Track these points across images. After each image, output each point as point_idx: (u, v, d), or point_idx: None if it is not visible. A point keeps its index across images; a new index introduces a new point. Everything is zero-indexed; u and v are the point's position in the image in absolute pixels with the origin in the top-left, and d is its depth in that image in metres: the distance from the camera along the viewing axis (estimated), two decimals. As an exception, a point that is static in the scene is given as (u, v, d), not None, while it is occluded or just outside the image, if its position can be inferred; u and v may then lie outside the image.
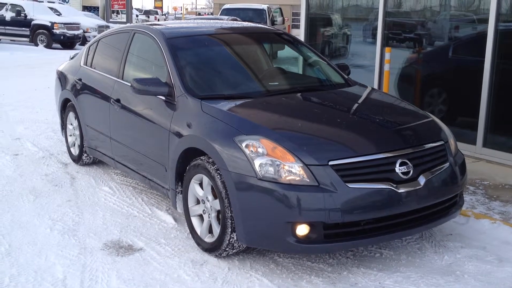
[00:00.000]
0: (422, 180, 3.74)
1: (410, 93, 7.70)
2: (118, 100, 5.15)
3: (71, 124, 6.38)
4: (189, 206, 4.23)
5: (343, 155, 3.63)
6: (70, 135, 6.48)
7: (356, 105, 4.55)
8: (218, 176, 3.80)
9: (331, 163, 3.56)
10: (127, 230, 4.52)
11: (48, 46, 21.92)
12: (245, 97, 4.42)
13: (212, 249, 3.98)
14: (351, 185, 3.53)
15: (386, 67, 7.07)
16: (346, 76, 5.18)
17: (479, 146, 6.28)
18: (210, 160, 3.90)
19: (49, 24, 21.99)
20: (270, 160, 3.58)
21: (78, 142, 6.22)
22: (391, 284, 3.64)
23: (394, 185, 3.62)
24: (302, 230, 3.54)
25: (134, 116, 4.90)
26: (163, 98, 4.52)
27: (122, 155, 5.25)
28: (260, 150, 3.64)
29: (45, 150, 6.93)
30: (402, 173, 3.68)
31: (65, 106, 6.47)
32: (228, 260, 3.97)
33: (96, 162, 6.26)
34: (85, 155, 6.13)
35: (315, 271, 3.82)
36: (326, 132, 3.91)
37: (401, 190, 3.63)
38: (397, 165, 3.69)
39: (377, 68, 7.73)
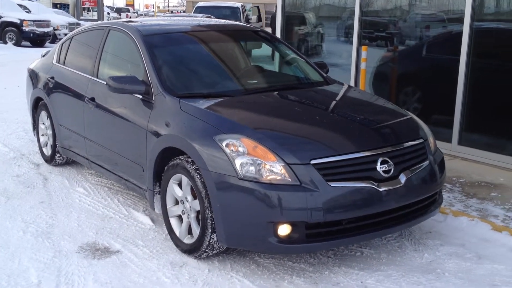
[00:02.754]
0: (403, 178, 3.73)
1: (385, 91, 7.73)
2: (92, 99, 5.03)
3: (43, 123, 6.22)
4: (167, 207, 4.15)
5: (325, 154, 3.59)
6: (43, 135, 6.32)
7: (336, 103, 4.53)
8: (198, 176, 3.74)
9: (313, 162, 3.52)
10: (103, 232, 4.41)
11: (17, 44, 21.46)
12: (224, 96, 4.35)
13: (191, 250, 3.91)
14: (333, 184, 3.50)
15: (363, 65, 7.08)
16: (324, 74, 5.15)
17: (454, 144, 6.33)
18: (190, 159, 3.83)
19: (18, 22, 21.51)
20: (251, 160, 3.53)
21: (50, 142, 6.07)
22: (373, 283, 3.62)
23: (376, 184, 3.60)
24: (284, 230, 3.49)
25: (110, 115, 4.79)
26: (140, 96, 4.43)
27: (97, 155, 5.13)
28: (240, 149, 3.58)
29: (16, 151, 6.75)
30: (383, 171, 3.67)
31: (37, 105, 6.32)
32: (208, 261, 3.90)
33: (69, 163, 6.12)
34: (58, 155, 5.98)
35: (296, 271, 3.78)
36: (307, 131, 3.87)
37: (383, 189, 3.61)
38: (378, 163, 3.67)
39: (354, 66, 7.74)
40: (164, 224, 4.26)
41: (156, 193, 4.28)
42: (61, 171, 6.00)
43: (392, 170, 3.70)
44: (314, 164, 3.52)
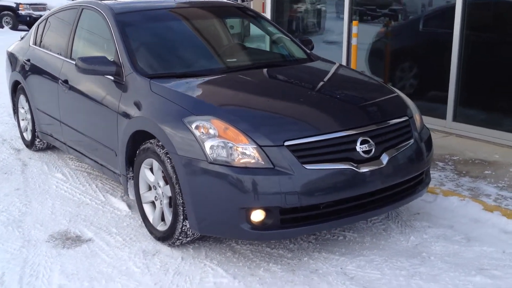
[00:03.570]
0: (385, 158, 3.52)
1: (381, 67, 7.47)
2: (66, 81, 4.82)
3: (23, 107, 6.03)
4: (140, 193, 3.96)
5: (300, 134, 3.37)
6: (22, 119, 6.14)
7: (316, 80, 4.28)
8: (168, 160, 3.54)
9: (287, 143, 3.31)
10: (77, 220, 4.23)
11: (14, 27, 21.18)
12: (199, 75, 4.12)
13: (165, 237, 3.73)
14: (308, 167, 3.29)
15: (354, 41, 6.82)
16: (308, 51, 4.91)
17: (449, 120, 6.09)
18: (160, 143, 3.63)
19: (14, 5, 21.22)
20: (222, 142, 3.32)
21: (30, 127, 5.89)
22: (353, 269, 3.43)
23: (355, 165, 3.39)
24: (257, 216, 3.30)
25: (83, 98, 4.59)
26: (112, 78, 4.22)
27: (73, 140, 4.94)
28: (211, 131, 3.37)
29: (-3, 136, 6.59)
30: (363, 151, 3.45)
31: (16, 89, 6.12)
32: (182, 249, 3.72)
33: (50, 147, 5.94)
34: (38, 140, 5.80)
35: (274, 258, 3.60)
36: (282, 111, 3.64)
37: (362, 170, 3.40)
38: (358, 143, 3.45)
39: (345, 42, 7.48)
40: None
41: (130, 179, 4.09)
42: (41, 156, 5.82)
43: (373, 150, 3.48)
44: (288, 146, 3.30)
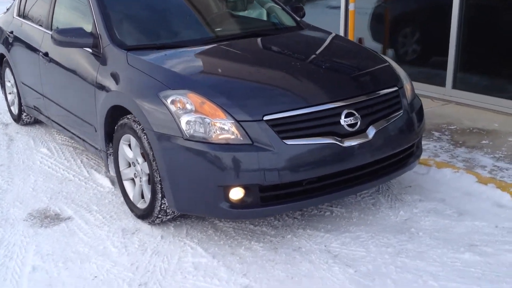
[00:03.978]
0: (371, 131, 3.34)
1: (382, 34, 7.22)
2: (46, 54, 4.66)
3: (9, 81, 5.90)
4: (120, 169, 3.83)
5: (280, 108, 3.20)
6: (9, 93, 6.01)
7: (302, 50, 4.06)
8: (145, 136, 3.39)
9: (266, 118, 3.14)
10: (58, 197, 4.12)
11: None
12: (180, 46, 3.93)
13: (144, 215, 3.61)
14: (289, 142, 3.13)
15: (351, 6, 6.55)
16: (298, 19, 4.69)
17: (448, 88, 5.87)
18: (136, 119, 3.47)
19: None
20: (199, 118, 3.16)
21: (17, 101, 5.76)
22: (337, 246, 3.30)
23: (339, 139, 3.22)
24: (236, 194, 3.16)
25: (63, 71, 4.43)
26: (90, 50, 4.05)
27: (55, 114, 4.81)
28: (188, 106, 3.21)
29: (-14, 110, 6.47)
30: (348, 125, 3.28)
31: (1, 62, 5.97)
32: (163, 227, 3.61)
33: (38, 122, 5.81)
34: (24, 114, 5.69)
35: (256, 235, 3.47)
36: (263, 83, 3.46)
37: (347, 144, 3.24)
38: (343, 116, 3.28)
39: (343, 8, 7.22)
40: (122, 187, 3.95)
41: (110, 155, 3.96)
42: (28, 130, 5.71)
43: (359, 123, 3.31)
44: (267, 121, 3.14)
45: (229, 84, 3.42)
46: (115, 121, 3.76)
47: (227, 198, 3.15)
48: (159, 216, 3.51)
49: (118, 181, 3.89)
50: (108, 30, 3.96)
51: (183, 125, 3.16)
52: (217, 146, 3.11)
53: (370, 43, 7.34)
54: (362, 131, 3.33)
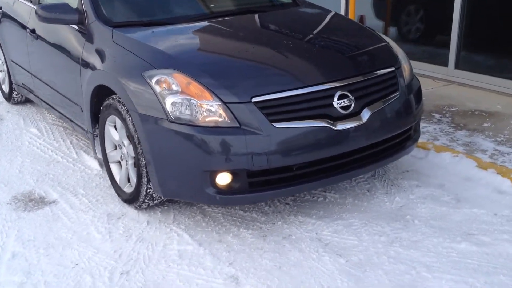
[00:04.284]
0: (366, 114, 3.19)
1: (385, 11, 7.01)
2: (33, 31, 4.50)
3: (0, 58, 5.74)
4: (107, 152, 3.70)
5: (269, 89, 3.04)
6: (1, 71, 5.86)
7: (296, 28, 3.85)
8: (130, 118, 3.25)
9: (254, 99, 2.99)
10: (44, 179, 4.01)
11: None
12: (169, 23, 3.76)
13: (131, 200, 3.49)
14: (278, 125, 2.98)
15: (352, -19, 6.35)
16: (292, -5, 4.50)
17: (451, 68, 5.69)
18: (121, 100, 3.33)
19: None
20: (184, 99, 3.01)
21: (7, 79, 5.61)
22: (329, 234, 3.17)
23: (331, 122, 3.07)
24: (223, 179, 3.02)
25: (50, 48, 4.28)
26: (76, 27, 3.89)
27: (43, 93, 4.67)
28: (174, 86, 3.06)
29: (-22, 88, 6.33)
30: (341, 107, 3.13)
31: (-9, 39, 5.80)
32: (149, 212, 3.49)
33: (30, 101, 5.67)
34: (15, 92, 5.54)
35: (246, 222, 3.35)
36: (253, 62, 3.30)
37: (340, 128, 3.09)
38: (335, 98, 3.12)
39: (344, -17, 7.00)
40: (110, 170, 3.83)
41: (96, 136, 3.82)
42: (19, 109, 5.58)
43: (353, 105, 3.16)
44: (256, 103, 2.99)
45: (217, 63, 3.25)
46: (101, 101, 3.62)
47: (213, 184, 3.02)
48: (145, 201, 3.39)
49: (105, 164, 3.76)
50: (94, 5, 3.79)
51: (168, 107, 3.02)
52: (203, 129, 2.96)
53: (373, 21, 7.14)
54: (356, 114, 3.17)
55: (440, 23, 5.98)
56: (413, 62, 6.00)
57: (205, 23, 3.79)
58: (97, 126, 3.77)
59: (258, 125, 2.96)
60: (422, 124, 4.51)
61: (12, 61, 5.23)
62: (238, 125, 2.96)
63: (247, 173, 3.01)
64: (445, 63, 5.74)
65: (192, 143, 2.98)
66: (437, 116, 4.72)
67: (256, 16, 4.02)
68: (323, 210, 3.45)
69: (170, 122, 3.01)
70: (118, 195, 3.65)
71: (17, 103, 5.70)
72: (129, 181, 3.54)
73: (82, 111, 3.89)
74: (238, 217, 3.40)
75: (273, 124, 2.97)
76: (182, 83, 3.06)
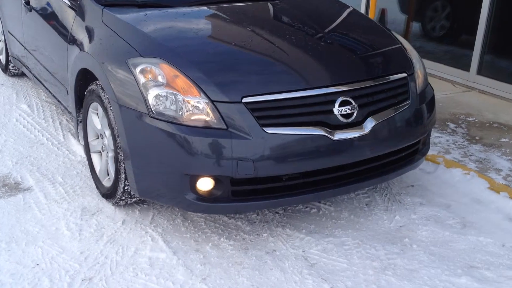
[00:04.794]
0: (369, 124, 2.88)
1: (411, 5, 6.63)
2: (27, 2, 4.23)
3: (-1, 28, 5.49)
4: (89, 140, 3.44)
5: (263, 90, 2.74)
6: (0, 41, 5.61)
7: (301, 22, 3.51)
8: (111, 108, 2.97)
9: (245, 100, 2.69)
10: (24, 162, 3.76)
11: None
12: (166, 6, 3.46)
13: (108, 195, 3.23)
14: (269, 130, 2.68)
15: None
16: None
17: (472, 73, 5.32)
18: (104, 87, 3.05)
19: None
20: (169, 93, 2.72)
21: (5, 50, 5.37)
22: (316, 253, 2.88)
23: (329, 131, 2.76)
24: (204, 185, 2.74)
25: (41, 22, 4.02)
26: (68, 2, 3.60)
27: (34, 68, 4.42)
28: (160, 78, 2.77)
29: (-22, 56, 6.10)
30: (342, 115, 2.81)
31: (-9, 8, 5.55)
32: (127, 210, 3.23)
33: (26, 73, 5.43)
34: (12, 64, 5.29)
35: (228, 230, 3.07)
36: (249, 58, 2.98)
37: (337, 137, 2.78)
38: (337, 104, 2.81)
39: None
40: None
41: (80, 122, 3.56)
42: (15, 82, 5.34)
43: (355, 113, 2.84)
44: (246, 103, 2.68)
45: (211, 55, 2.94)
46: (87, 85, 3.35)
47: (193, 189, 2.74)
48: (123, 198, 3.12)
49: (86, 152, 3.50)
50: (87, -21, 3.50)
51: (151, 100, 2.73)
52: (186, 128, 2.68)
53: (397, 15, 6.77)
54: (358, 123, 2.86)
55: (468, 22, 5.60)
56: (432, 64, 5.69)
57: (205, 9, 3.47)
58: (81, 111, 3.51)
59: (247, 129, 2.66)
60: (434, 134, 4.18)
61: (9, 31, 4.98)
62: (225, 126, 2.67)
63: (230, 180, 2.72)
64: (466, 67, 5.37)
65: (173, 142, 2.69)
66: (451, 125, 4.38)
67: (261, 4, 3.69)
68: (314, 223, 3.15)
69: (151, 117, 2.72)
70: (97, 187, 3.39)
71: (13, 75, 5.47)
72: (108, 174, 3.27)
73: (67, 93, 3.63)
74: (221, 224, 3.12)
75: (263, 128, 2.67)
76: (168, 75, 2.77)
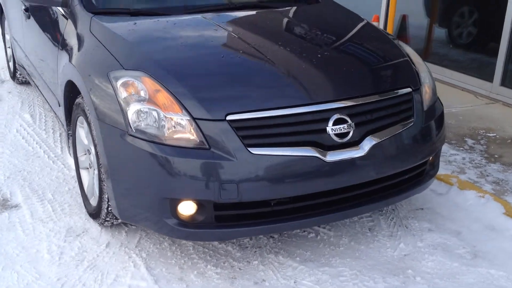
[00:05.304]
0: (367, 144, 2.64)
1: (438, 11, 6.32)
2: (27, 9, 4.12)
3: (8, 34, 5.42)
4: (78, 155, 3.28)
5: (249, 106, 2.53)
6: (8, 47, 5.55)
7: (299, 31, 3.29)
8: (93, 123, 2.81)
9: (230, 117, 2.49)
10: (16, 177, 3.64)
11: None
12: (159, 14, 3.29)
13: (94, 215, 3.08)
14: (255, 151, 2.47)
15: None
16: (313, -11, 3.91)
17: (496, 84, 5.00)
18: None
19: None
20: (150, 109, 2.54)
21: (13, 56, 5.30)
22: (309, 285, 2.65)
23: (321, 151, 2.53)
24: (185, 209, 2.55)
25: (38, 30, 3.92)
26: (61, 10, 3.47)
27: (35, 77, 4.31)
28: (142, 93, 2.59)
29: (-9, 64, 6.07)
30: (337, 134, 2.58)
31: (2, 14, 5.50)
32: (113, 231, 3.06)
33: (34, 82, 5.34)
34: (19, 72, 5.22)
35: (217, 256, 2.86)
36: (237, 71, 2.76)
37: (331, 159, 2.55)
38: (330, 123, 2.58)
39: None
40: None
41: (70, 135, 3.41)
42: (22, 90, 5.26)
43: (351, 133, 2.61)
44: (231, 121, 2.48)
45: (196, 68, 2.73)
46: (76, 97, 3.19)
47: (174, 213, 2.55)
48: (108, 219, 2.96)
49: (76, 168, 3.35)
50: (79, -15, 3.35)
51: (131, 116, 2.56)
52: (164, 147, 2.49)
53: (421, 20, 6.45)
54: (355, 143, 2.62)
55: (495, 29, 5.28)
56: (455, 73, 5.39)
57: (198, 17, 3.27)
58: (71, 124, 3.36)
59: (231, 149, 2.45)
60: (450, 151, 3.91)
61: (14, 38, 4.90)
62: (207, 146, 2.47)
63: (214, 205, 2.52)
64: (490, 78, 5.06)
65: (149, 162, 2.51)
66: (469, 142, 4.09)
67: (258, 12, 3.47)
68: (311, 250, 2.93)
69: (130, 135, 2.54)
70: (85, 206, 3.23)
71: (21, 83, 5.39)
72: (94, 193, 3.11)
73: (59, 105, 3.49)
74: (210, 249, 2.92)
75: (248, 149, 2.46)
76: (150, 89, 2.59)
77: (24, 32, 4.30)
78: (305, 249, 2.94)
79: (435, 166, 3.10)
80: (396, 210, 3.32)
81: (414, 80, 2.95)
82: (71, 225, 3.12)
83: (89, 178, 3.14)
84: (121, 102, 2.59)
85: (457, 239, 3.03)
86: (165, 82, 2.59)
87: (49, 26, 3.65)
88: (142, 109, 2.56)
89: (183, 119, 2.50)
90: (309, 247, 2.95)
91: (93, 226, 3.10)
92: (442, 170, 3.62)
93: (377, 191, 2.81)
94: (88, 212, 3.17)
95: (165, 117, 2.51)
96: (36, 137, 4.24)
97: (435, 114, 2.99)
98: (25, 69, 4.71)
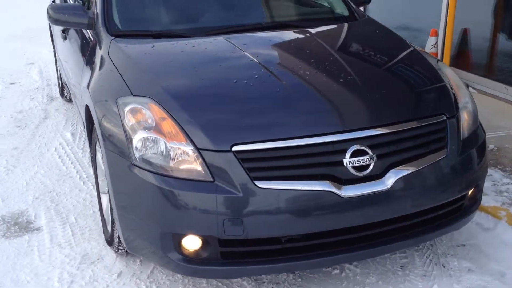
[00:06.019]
0: (391, 177, 2.38)
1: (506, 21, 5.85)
2: (64, 30, 4.14)
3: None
4: (99, 179, 3.21)
5: (257, 136, 2.34)
6: (59, 66, 5.63)
7: (325, 54, 2.98)
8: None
9: (235, 148, 2.31)
10: (44, 198, 3.62)
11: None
12: (179, 36, 3.14)
13: (109, 242, 2.99)
14: (262, 184, 2.28)
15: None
16: (353, 7, 3.65)
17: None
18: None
19: None
20: (155, 138, 2.41)
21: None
22: (323, 331, 2.42)
23: (337, 185, 2.30)
24: (189, 244, 2.40)
25: (72, 51, 3.90)
26: (88, 33, 3.43)
27: (73, 96, 4.31)
28: (150, 120, 2.46)
29: (45, 80, 6.23)
30: (355, 167, 2.34)
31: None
32: (128, 260, 2.94)
33: (81, 99, 5.39)
34: (66, 89, 5.28)
35: (230, 292, 2.69)
36: (248, 99, 2.56)
37: (348, 194, 2.31)
38: (348, 155, 2.34)
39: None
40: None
41: (93, 158, 3.34)
42: (69, 108, 5.32)
43: (372, 165, 2.36)
44: (237, 152, 2.30)
45: (204, 95, 2.57)
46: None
47: (178, 248, 2.40)
48: (120, 248, 2.85)
49: (97, 192, 3.27)
50: (105, 8, 3.29)
51: (135, 144, 2.43)
52: (166, 179, 2.34)
53: (486, 33, 5.98)
54: (376, 176, 2.37)
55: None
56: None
57: (220, 39, 3.09)
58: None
59: (236, 183, 2.28)
60: (503, 179, 3.54)
61: (59, 56, 4.96)
62: (211, 179, 2.30)
63: (218, 241, 2.34)
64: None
65: (150, 193, 2.38)
66: (527, 168, 3.70)
67: (284, 33, 3.25)
68: (332, 289, 2.69)
69: (133, 164, 2.42)
70: (103, 232, 3.15)
71: (69, 100, 5.45)
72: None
73: (84, 126, 3.44)
74: (225, 283, 2.74)
75: (255, 182, 2.28)
76: (156, 117, 2.46)
77: (63, 52, 4.33)
78: (327, 287, 2.70)
79: (476, 200, 2.78)
80: (435, 245, 3.01)
81: (450, 107, 2.64)
82: (88, 251, 3.04)
83: (106, 203, 3.05)
84: (128, 130, 2.48)
85: (499, 282, 2.69)
86: (171, 110, 2.45)
87: (79, 48, 3.62)
88: (148, 137, 2.43)
89: (187, 149, 2.35)
90: (331, 285, 2.71)
91: (109, 253, 3.00)
92: (492, 202, 3.28)
93: (406, 228, 2.54)
94: (105, 238, 3.09)
95: (169, 146, 2.37)
96: (72, 157, 4.24)
97: (474, 143, 2.67)
98: (68, 87, 4.75)
